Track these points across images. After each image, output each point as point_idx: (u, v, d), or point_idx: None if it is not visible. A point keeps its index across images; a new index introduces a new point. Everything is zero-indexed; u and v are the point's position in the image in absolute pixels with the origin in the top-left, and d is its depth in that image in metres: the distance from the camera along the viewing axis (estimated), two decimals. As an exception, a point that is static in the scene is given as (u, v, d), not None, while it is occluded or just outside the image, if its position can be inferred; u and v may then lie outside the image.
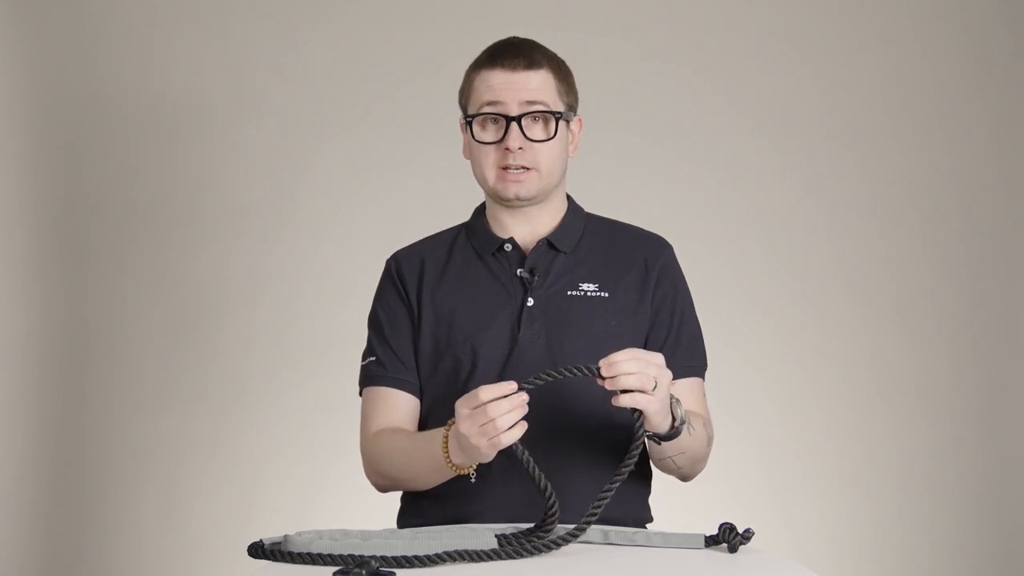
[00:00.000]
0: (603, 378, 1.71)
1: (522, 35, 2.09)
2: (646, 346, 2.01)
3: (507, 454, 1.75)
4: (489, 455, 1.74)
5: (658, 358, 1.74)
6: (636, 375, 1.70)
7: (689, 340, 2.06)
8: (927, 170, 3.49)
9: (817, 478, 3.42)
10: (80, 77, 3.32)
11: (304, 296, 3.34)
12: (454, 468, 1.82)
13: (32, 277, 3.29)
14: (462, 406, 1.72)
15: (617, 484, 1.71)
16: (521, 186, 1.99)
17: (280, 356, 3.32)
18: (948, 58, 3.51)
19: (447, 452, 1.82)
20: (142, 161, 3.33)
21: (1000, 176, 3.50)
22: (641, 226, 2.14)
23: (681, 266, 2.11)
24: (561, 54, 2.09)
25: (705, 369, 2.09)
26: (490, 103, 1.98)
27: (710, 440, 2.03)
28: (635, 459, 1.72)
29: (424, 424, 2.05)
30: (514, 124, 1.97)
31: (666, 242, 2.10)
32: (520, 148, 1.97)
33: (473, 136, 2.01)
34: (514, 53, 2.00)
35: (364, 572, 1.46)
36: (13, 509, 3.25)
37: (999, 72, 3.51)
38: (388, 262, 2.12)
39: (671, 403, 1.79)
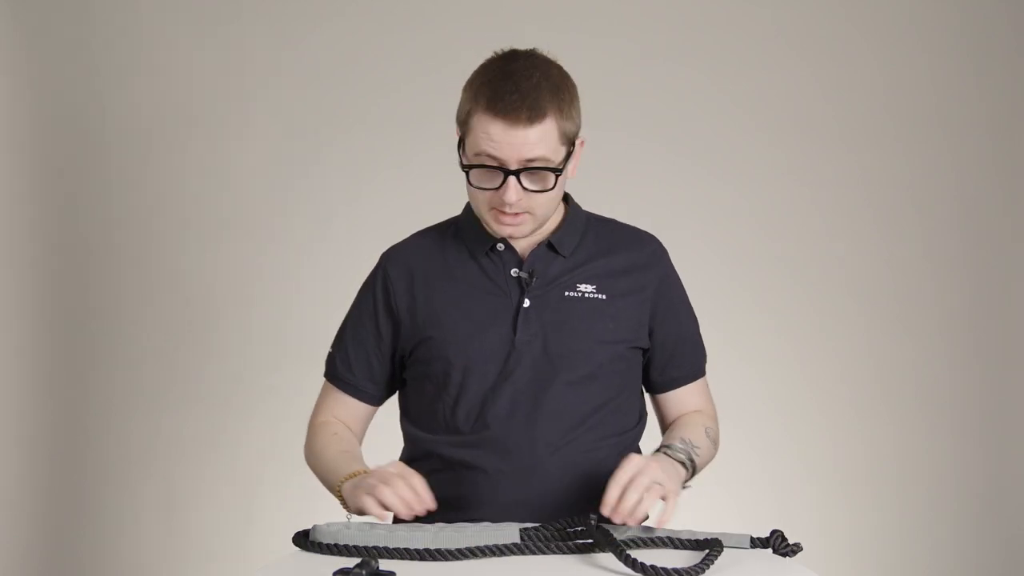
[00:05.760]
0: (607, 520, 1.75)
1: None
2: (650, 352, 2.05)
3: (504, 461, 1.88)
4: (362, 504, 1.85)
5: (645, 475, 1.77)
6: (642, 503, 1.75)
7: (693, 345, 2.12)
8: (927, 170, 3.49)
9: (817, 478, 3.42)
10: (79, 78, 3.32)
11: (303, 296, 3.34)
12: (342, 502, 1.94)
13: (31, 278, 3.29)
14: (391, 485, 1.80)
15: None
16: (516, 228, 1.95)
17: (279, 356, 3.32)
18: (948, 58, 3.51)
19: (340, 489, 1.93)
20: (141, 161, 3.34)
21: (1000, 176, 3.51)
22: (640, 226, 2.13)
23: (680, 266, 2.11)
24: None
25: (705, 362, 2.14)
26: (489, 155, 1.88)
27: (715, 442, 2.08)
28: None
29: (416, 424, 2.04)
30: (512, 178, 1.88)
31: (661, 245, 2.09)
32: (518, 199, 1.90)
33: (470, 181, 1.93)
34: (516, 105, 1.85)
35: (364, 572, 1.46)
36: (13, 509, 3.25)
37: (999, 72, 3.51)
38: (380, 261, 2.10)
39: (680, 459, 1.91)
